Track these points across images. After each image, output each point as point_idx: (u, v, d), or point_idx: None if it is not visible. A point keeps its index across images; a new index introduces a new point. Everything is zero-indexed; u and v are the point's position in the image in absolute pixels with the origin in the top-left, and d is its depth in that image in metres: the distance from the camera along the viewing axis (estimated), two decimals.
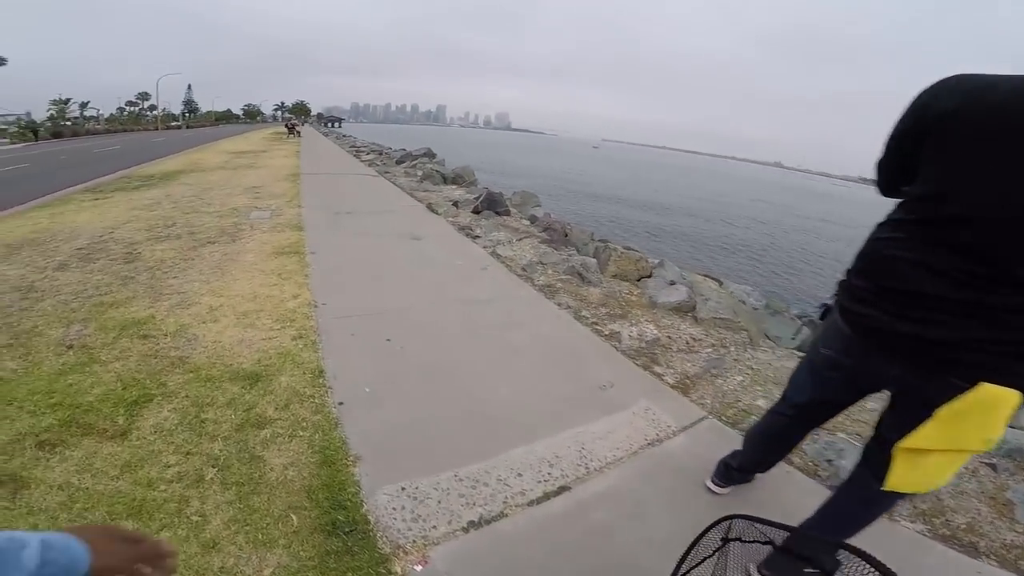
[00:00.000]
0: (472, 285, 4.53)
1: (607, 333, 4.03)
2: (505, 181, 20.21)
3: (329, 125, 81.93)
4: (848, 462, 2.31)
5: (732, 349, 4.21)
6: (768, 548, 0.97)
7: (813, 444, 2.57)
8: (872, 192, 1.41)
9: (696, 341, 4.27)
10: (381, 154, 17.49)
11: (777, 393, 1.84)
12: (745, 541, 1.03)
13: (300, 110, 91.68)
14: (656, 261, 6.12)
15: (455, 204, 7.60)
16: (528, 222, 7.27)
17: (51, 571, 0.50)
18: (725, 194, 38.98)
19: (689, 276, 6.37)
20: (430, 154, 16.16)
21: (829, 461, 2.42)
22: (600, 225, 14.44)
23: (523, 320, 3.93)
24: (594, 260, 5.47)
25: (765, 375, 3.80)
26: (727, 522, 1.07)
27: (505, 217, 7.20)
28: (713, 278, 7.37)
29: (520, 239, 6.17)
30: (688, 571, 1.02)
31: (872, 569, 0.75)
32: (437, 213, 7.17)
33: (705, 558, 1.05)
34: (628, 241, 12.13)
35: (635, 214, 18.49)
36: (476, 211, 7.23)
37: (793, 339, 5.13)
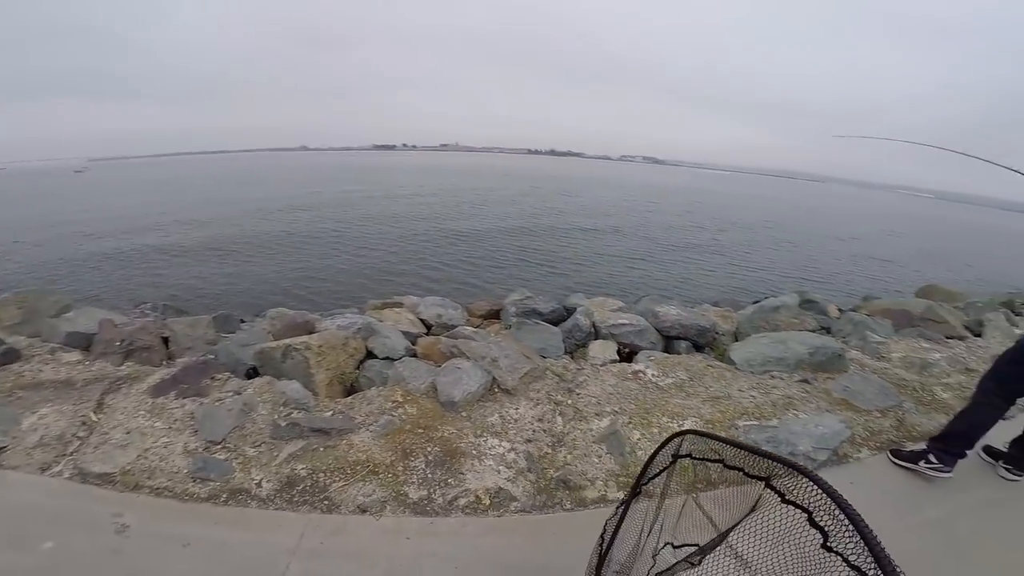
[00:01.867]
0: None
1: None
2: None
3: None
4: None
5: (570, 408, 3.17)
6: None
7: None
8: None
9: (546, 423, 2.86)
10: None
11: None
12: (696, 459, 1.05)
13: None
14: (347, 322, 4.12)
15: None
16: (78, 355, 3.53)
17: None
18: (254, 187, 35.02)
19: (366, 318, 4.69)
20: None
21: None
22: (165, 288, 9.99)
23: None
24: (295, 384, 2.98)
25: (647, 406, 3.08)
26: (679, 438, 1.11)
27: (22, 365, 3.21)
28: (392, 305, 5.95)
29: (102, 417, 2.82)
30: (646, 482, 1.15)
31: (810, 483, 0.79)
32: None
33: (658, 473, 1.13)
34: (232, 300, 8.81)
35: (185, 260, 13.19)
36: None
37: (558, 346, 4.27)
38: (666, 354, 4.13)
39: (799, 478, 0.80)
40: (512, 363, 3.31)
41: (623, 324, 4.46)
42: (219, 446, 2.55)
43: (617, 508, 1.25)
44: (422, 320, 5.18)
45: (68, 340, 3.81)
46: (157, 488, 2.29)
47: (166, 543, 1.96)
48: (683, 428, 1.29)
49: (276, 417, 2.73)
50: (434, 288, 9.67)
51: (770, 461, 0.88)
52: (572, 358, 4.06)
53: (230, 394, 2.99)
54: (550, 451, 2.59)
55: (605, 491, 2.30)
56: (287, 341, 3.45)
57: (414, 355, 3.84)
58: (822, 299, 6.60)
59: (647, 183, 60.44)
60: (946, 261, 20.28)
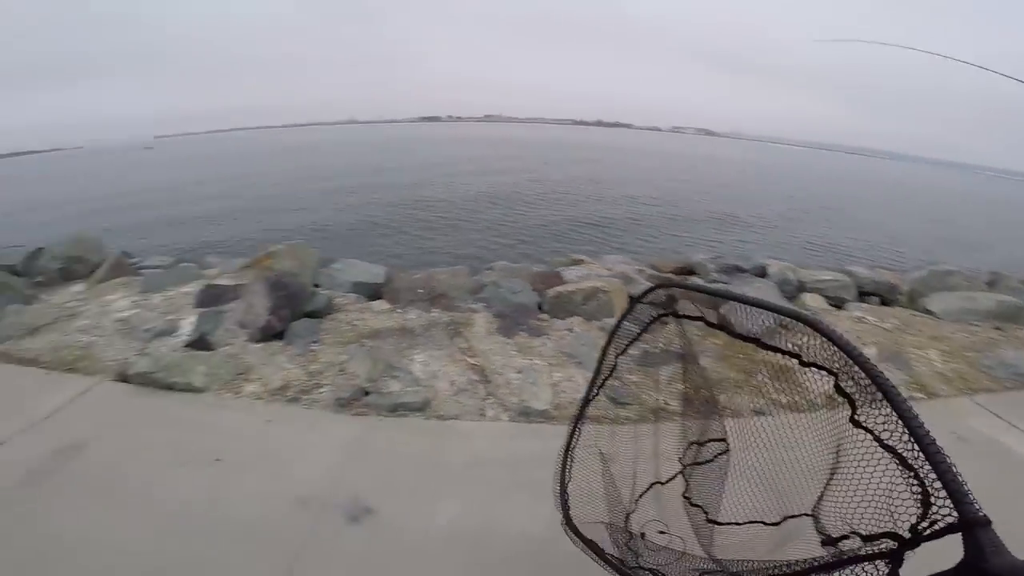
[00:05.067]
0: None
1: None
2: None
3: None
4: None
5: None
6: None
7: None
8: None
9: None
10: None
11: None
12: (689, 317, 0.92)
13: None
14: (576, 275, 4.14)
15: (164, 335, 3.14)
16: (386, 304, 3.74)
17: None
18: None
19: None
20: None
21: None
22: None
23: None
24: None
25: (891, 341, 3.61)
26: (655, 294, 0.97)
27: (346, 315, 3.46)
28: (577, 262, 5.94)
29: (480, 360, 3.05)
30: (629, 345, 1.03)
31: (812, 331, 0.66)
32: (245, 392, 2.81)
33: (639, 335, 1.01)
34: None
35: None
36: (270, 334, 3.17)
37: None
38: (871, 306, 4.67)
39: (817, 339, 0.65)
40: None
41: (827, 280, 4.95)
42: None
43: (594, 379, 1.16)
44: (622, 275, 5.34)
45: (354, 289, 4.06)
46: (601, 417, 2.46)
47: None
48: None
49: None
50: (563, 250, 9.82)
51: (778, 316, 0.72)
52: None
53: (565, 332, 3.15)
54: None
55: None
56: (591, 285, 3.63)
57: None
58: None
59: (712, 155, 58.15)
60: None
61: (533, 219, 14.35)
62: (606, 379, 1.13)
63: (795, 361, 0.69)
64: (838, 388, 0.64)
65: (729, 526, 1.11)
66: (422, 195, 18.52)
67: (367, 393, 2.71)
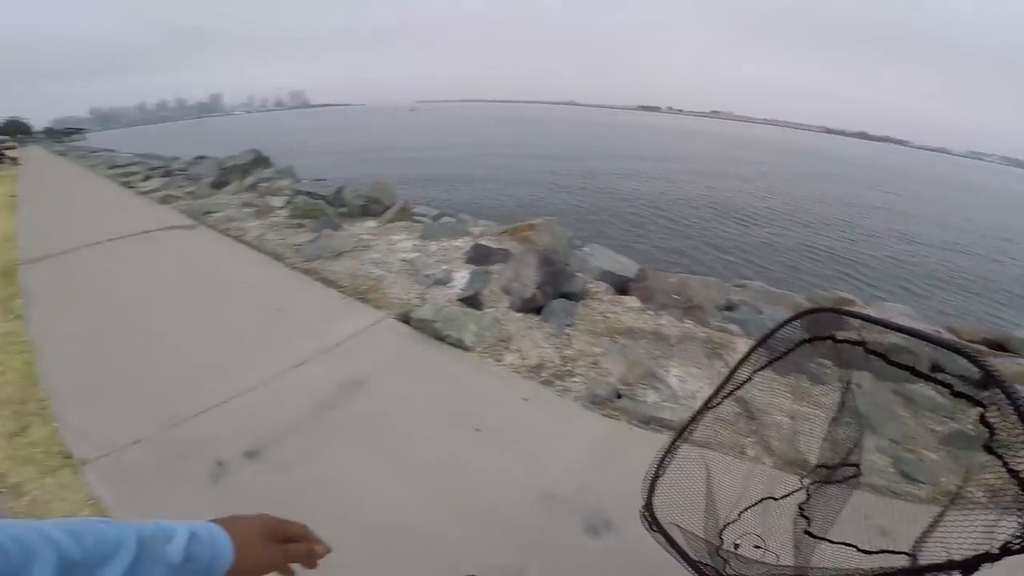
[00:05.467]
0: None
1: None
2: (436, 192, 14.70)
3: (65, 139, 55.95)
4: None
5: None
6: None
7: None
8: None
9: None
10: (170, 174, 10.31)
11: None
12: (839, 341, 0.92)
13: (13, 128, 55.80)
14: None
15: (440, 283, 3.43)
16: (636, 301, 3.54)
17: (192, 567, 0.46)
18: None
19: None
20: (261, 160, 10.01)
21: None
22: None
23: None
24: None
25: None
26: (808, 318, 0.96)
27: (599, 304, 3.37)
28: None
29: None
30: (762, 367, 1.02)
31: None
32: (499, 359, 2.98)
33: (783, 355, 1.00)
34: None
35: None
36: (531, 307, 3.25)
37: None
38: None
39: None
40: None
41: None
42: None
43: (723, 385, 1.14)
44: None
45: (602, 277, 3.97)
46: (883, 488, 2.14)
47: None
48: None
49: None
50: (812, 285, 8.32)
51: (938, 348, 0.74)
52: None
53: (852, 386, 2.53)
54: None
55: None
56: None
57: None
58: None
59: None
60: None
61: (756, 235, 12.73)
62: (732, 391, 1.14)
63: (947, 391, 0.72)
64: (982, 419, 0.63)
65: (822, 542, 1.11)
66: (632, 187, 18.05)
67: (619, 396, 2.56)
